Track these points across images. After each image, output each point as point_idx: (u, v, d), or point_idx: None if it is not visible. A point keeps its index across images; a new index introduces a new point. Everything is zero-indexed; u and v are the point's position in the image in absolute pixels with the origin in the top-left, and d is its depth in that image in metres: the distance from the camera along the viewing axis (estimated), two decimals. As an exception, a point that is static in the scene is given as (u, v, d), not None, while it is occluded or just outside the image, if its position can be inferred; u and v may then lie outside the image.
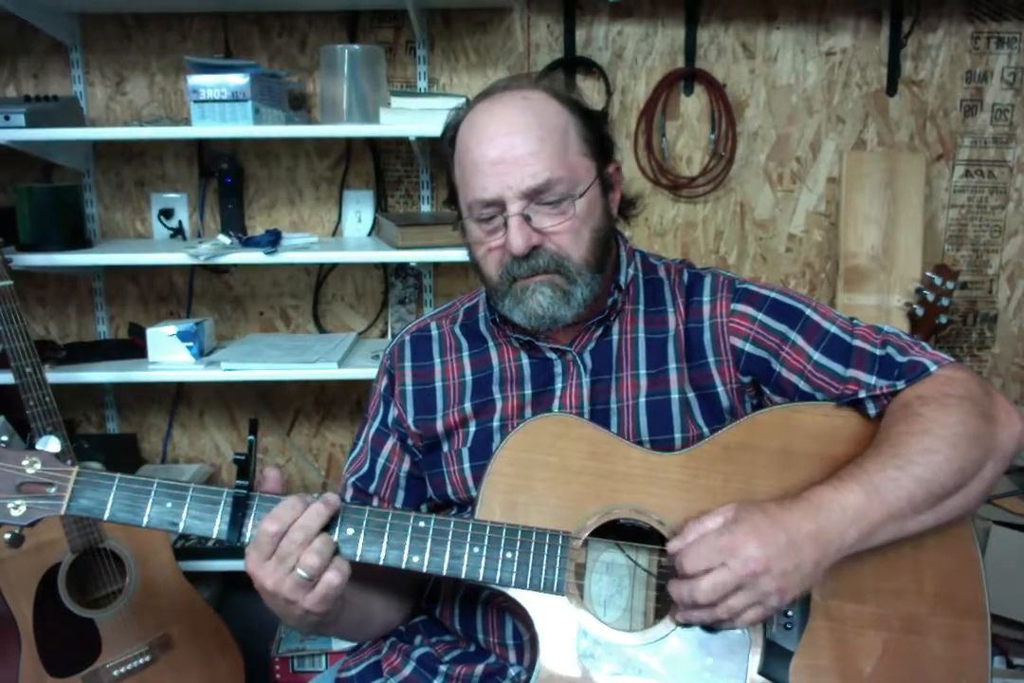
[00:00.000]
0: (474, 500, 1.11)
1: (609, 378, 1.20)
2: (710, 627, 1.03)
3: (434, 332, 1.30)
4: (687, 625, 1.03)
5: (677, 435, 1.17)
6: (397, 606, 1.24)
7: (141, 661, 1.86)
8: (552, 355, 1.22)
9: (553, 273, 1.13)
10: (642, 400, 1.19)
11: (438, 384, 1.26)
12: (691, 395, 1.19)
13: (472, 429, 1.22)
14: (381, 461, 1.27)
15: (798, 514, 0.99)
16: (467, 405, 1.23)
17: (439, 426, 1.24)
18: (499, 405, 1.22)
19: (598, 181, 1.17)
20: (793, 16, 2.35)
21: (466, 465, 1.21)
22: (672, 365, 1.20)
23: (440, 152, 1.23)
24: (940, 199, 2.44)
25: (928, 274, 2.24)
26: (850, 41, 2.35)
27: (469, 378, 1.25)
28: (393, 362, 1.30)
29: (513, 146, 1.10)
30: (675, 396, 1.19)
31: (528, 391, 1.22)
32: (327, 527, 1.02)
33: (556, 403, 1.20)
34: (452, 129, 1.19)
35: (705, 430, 1.17)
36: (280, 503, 1.01)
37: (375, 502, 1.26)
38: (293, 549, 0.98)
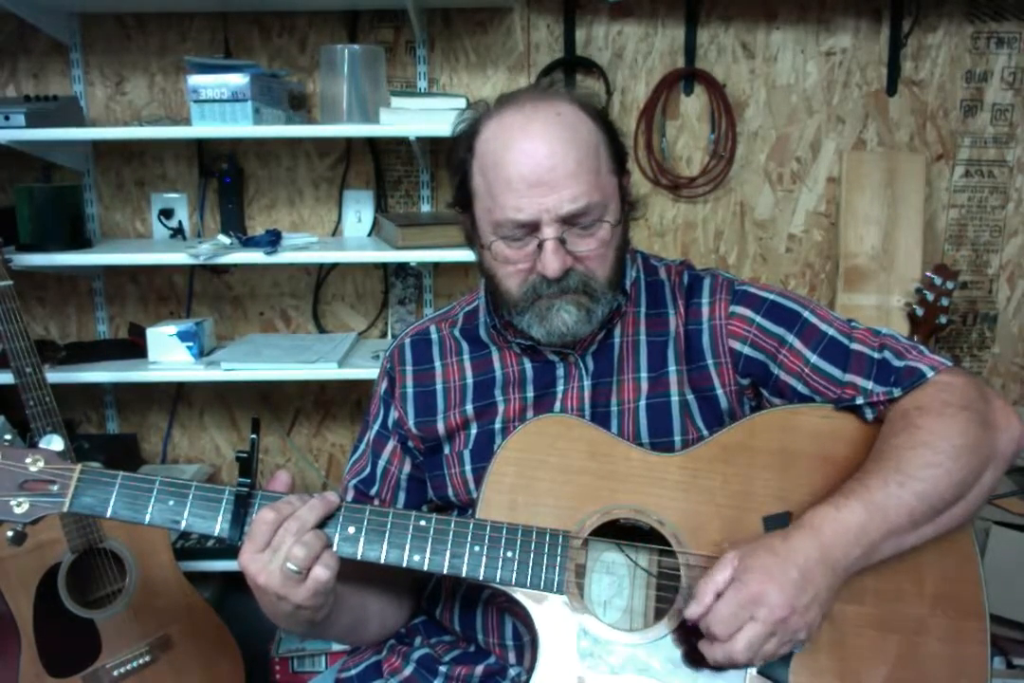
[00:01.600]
0: (475, 502, 1.11)
1: (610, 381, 1.20)
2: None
3: (433, 335, 1.30)
4: (685, 624, 1.03)
5: (677, 437, 1.17)
6: (393, 609, 1.24)
7: (141, 661, 1.86)
8: (554, 358, 1.22)
9: (580, 293, 1.13)
10: (642, 402, 1.19)
11: (439, 386, 1.26)
12: (690, 397, 1.19)
13: (473, 431, 1.22)
14: (382, 463, 1.27)
15: (801, 543, 0.99)
16: (468, 407, 1.23)
17: (440, 428, 1.24)
18: (501, 408, 1.22)
19: (621, 199, 1.17)
20: (793, 16, 2.35)
21: (467, 467, 1.21)
22: (672, 367, 1.20)
23: (451, 153, 1.19)
24: (940, 199, 2.44)
25: (928, 274, 2.24)
26: (850, 41, 2.35)
27: (470, 381, 1.25)
28: (393, 365, 1.29)
29: (553, 168, 1.07)
30: (675, 398, 1.19)
31: (530, 394, 1.22)
32: (326, 526, 1.03)
33: (558, 405, 1.20)
34: (470, 133, 1.15)
35: (705, 432, 1.17)
36: (281, 499, 1.03)
37: (376, 504, 1.26)
38: (287, 538, 0.98)
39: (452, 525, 1.05)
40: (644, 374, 1.20)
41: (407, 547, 1.04)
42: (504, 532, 1.06)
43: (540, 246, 1.10)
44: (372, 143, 2.41)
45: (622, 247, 1.18)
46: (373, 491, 1.27)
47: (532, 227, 1.10)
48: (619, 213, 1.15)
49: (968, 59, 2.36)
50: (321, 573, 0.99)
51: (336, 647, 2.18)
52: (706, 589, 0.98)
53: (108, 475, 1.04)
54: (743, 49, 2.36)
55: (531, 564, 1.05)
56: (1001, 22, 2.34)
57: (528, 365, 1.23)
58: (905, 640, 1.05)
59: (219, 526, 1.03)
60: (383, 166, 2.43)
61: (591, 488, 1.10)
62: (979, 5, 2.33)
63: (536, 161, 1.07)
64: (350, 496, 1.28)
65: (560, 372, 1.22)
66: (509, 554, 1.05)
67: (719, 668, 1.03)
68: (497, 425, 1.21)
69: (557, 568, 1.05)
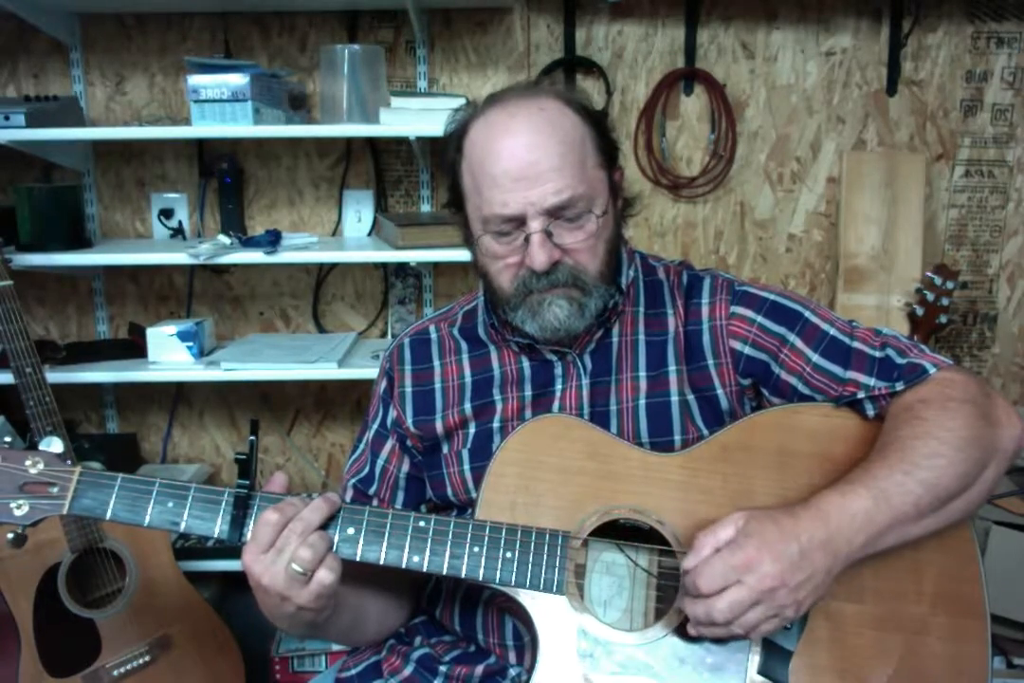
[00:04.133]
0: (474, 501, 1.11)
1: (609, 380, 1.20)
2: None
3: (433, 335, 1.30)
4: (685, 625, 1.03)
5: (677, 437, 1.17)
6: (393, 609, 1.24)
7: (141, 661, 1.86)
8: (552, 357, 1.22)
9: (570, 287, 1.13)
10: (642, 402, 1.19)
11: (437, 385, 1.26)
12: (691, 397, 1.19)
13: (472, 430, 1.22)
14: (380, 463, 1.28)
15: (807, 522, 0.99)
16: (467, 406, 1.23)
17: (439, 426, 1.24)
18: (499, 407, 1.22)
19: (611, 193, 1.17)
20: (793, 16, 2.35)
21: (466, 466, 1.21)
22: (672, 367, 1.20)
23: (443, 155, 1.21)
24: (940, 199, 2.44)
25: (928, 274, 2.24)
26: (850, 41, 2.35)
27: (468, 379, 1.25)
28: (392, 365, 1.30)
29: (536, 162, 1.08)
30: (675, 398, 1.19)
31: (528, 393, 1.22)
32: (326, 527, 1.03)
33: (556, 405, 1.20)
34: (458, 134, 1.16)
35: (705, 432, 1.17)
36: (283, 500, 1.03)
37: (374, 504, 1.26)
38: (292, 539, 0.98)
39: (451, 526, 1.05)
40: (643, 373, 1.20)
41: (406, 548, 1.04)
42: (503, 533, 1.06)
43: (527, 240, 1.10)
44: (372, 143, 2.41)
45: (613, 241, 1.18)
46: (372, 490, 1.27)
47: (519, 221, 1.10)
48: (607, 206, 1.15)
49: (968, 59, 2.36)
50: (325, 576, 0.99)
51: (336, 647, 2.18)
52: (705, 542, 0.99)
53: (107, 477, 1.04)
54: (743, 49, 2.36)
55: (531, 565, 1.05)
56: (1001, 22, 2.34)
57: (526, 364, 1.23)
58: (905, 639, 1.05)
59: (218, 528, 1.03)
60: (383, 166, 2.43)
61: (590, 488, 1.10)
62: (979, 5, 2.33)
63: (519, 156, 1.09)
64: (349, 495, 1.28)
65: (558, 371, 1.22)
66: (508, 555, 1.05)
67: (719, 667, 1.03)
68: (495, 424, 1.21)
69: (557, 568, 1.05)
